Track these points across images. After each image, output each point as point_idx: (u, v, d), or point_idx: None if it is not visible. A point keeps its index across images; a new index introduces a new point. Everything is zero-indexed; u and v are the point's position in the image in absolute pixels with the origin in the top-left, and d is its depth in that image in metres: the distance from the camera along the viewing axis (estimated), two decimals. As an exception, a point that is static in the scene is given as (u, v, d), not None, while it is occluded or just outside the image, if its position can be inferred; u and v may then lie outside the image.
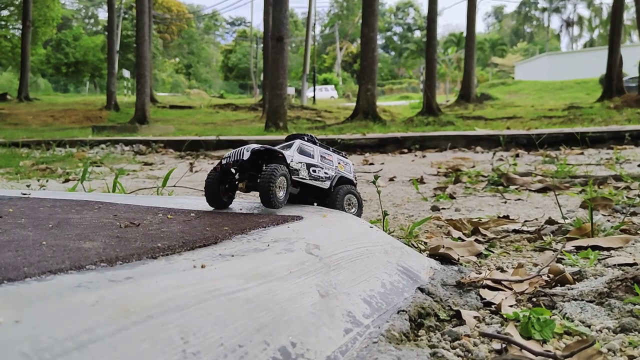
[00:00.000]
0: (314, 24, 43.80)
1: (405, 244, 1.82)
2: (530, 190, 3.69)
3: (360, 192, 1.99)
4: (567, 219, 2.43)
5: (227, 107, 30.55)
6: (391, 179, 4.65)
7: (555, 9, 68.82)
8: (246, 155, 1.60)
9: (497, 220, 2.38)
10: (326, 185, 1.85)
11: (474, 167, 5.18)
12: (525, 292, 1.26)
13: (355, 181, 2.06)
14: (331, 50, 62.80)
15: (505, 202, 3.22)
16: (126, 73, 32.95)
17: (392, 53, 69.84)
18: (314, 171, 1.80)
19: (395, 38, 68.01)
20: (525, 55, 62.98)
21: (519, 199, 3.34)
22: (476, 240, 2.05)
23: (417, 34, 64.46)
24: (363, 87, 18.39)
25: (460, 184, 4.10)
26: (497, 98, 29.63)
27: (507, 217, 2.54)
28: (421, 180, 4.41)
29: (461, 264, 1.59)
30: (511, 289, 1.28)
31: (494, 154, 5.09)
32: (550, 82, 37.08)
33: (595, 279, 1.36)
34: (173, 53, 64.47)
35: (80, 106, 30.33)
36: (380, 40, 67.08)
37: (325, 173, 1.85)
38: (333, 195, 1.86)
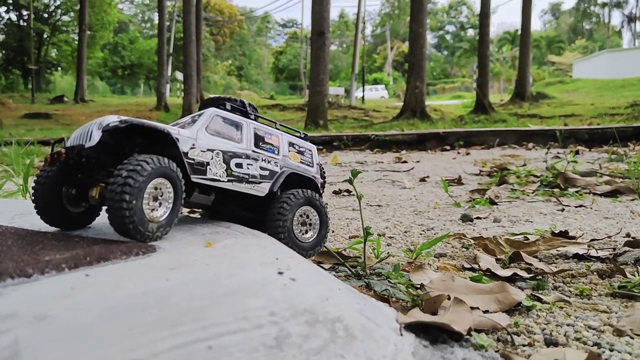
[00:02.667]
0: (364, 24, 42.95)
1: (389, 287, 1.10)
2: (595, 194, 2.87)
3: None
4: (657, 237, 1.63)
5: (275, 107, 30.31)
6: (422, 179, 3.89)
7: (616, 4, 65.16)
8: (94, 138, 0.91)
9: (550, 240, 1.61)
10: (262, 190, 1.13)
11: (524, 165, 4.34)
12: None
13: (320, 181, 1.33)
14: (382, 50, 61.60)
15: (563, 210, 2.43)
16: (179, 75, 33.30)
17: (445, 52, 67.88)
18: (239, 166, 1.09)
19: (448, 37, 66.03)
20: (584, 52, 59.86)
21: (580, 206, 2.53)
22: (514, 275, 1.29)
23: (470, 32, 62.30)
24: (411, 84, 17.50)
25: (506, 186, 3.30)
26: (554, 97, 27.96)
27: (565, 233, 1.76)
28: (459, 181, 3.64)
29: (471, 338, 0.85)
30: None
31: (548, 149, 4.22)
32: (611, 80, 34.82)
33: None
34: (225, 55, 65.06)
35: (132, 107, 30.87)
36: (432, 40, 65.39)
37: (262, 169, 1.14)
38: (274, 207, 1.15)
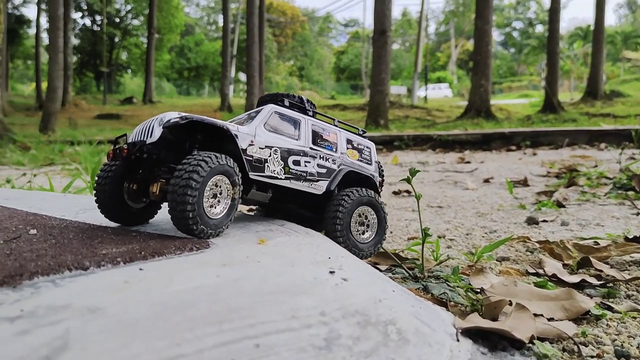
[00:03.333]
0: (427, 22, 42.35)
1: (447, 291, 1.06)
2: (675, 198, 2.68)
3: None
4: None
5: (336, 107, 30.35)
6: (486, 180, 3.77)
7: (702, -5, 60.99)
8: (156, 134, 0.92)
9: (623, 246, 1.51)
10: (319, 188, 1.12)
11: (595, 166, 4.13)
12: None
13: (378, 179, 1.30)
14: (446, 48, 60.46)
15: (638, 214, 2.29)
16: (242, 76, 34.01)
17: (512, 50, 65.75)
18: (297, 163, 1.08)
19: (515, 34, 63.87)
20: (664, 48, 56.35)
21: (658, 210, 2.38)
22: (582, 282, 1.22)
23: (539, 28, 59.97)
24: (476, 83, 17.10)
25: (575, 188, 3.15)
26: (630, 95, 26.51)
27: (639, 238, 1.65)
28: (524, 182, 3.51)
29: (533, 346, 0.80)
30: None
31: (622, 150, 3.99)
32: (693, 77, 32.65)
33: None
34: (287, 56, 65.72)
35: (197, 108, 31.74)
36: (499, 37, 63.46)
37: (319, 166, 1.12)
38: (331, 206, 1.13)
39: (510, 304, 0.93)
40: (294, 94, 1.19)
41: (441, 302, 1.05)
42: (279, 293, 0.62)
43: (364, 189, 1.18)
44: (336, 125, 1.23)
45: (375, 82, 13.79)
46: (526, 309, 0.88)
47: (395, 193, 3.26)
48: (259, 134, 1.02)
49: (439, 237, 1.92)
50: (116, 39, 41.45)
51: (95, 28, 39.60)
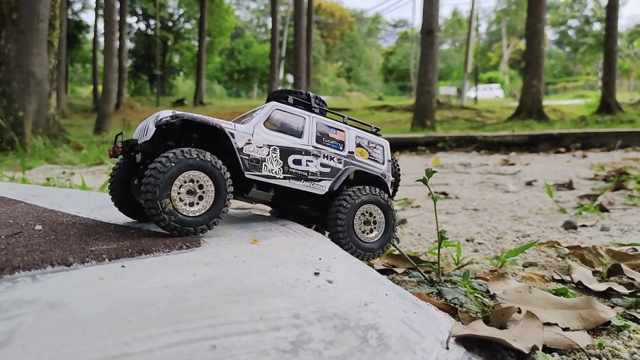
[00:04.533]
0: (478, 21, 41.57)
1: (460, 296, 1.02)
2: None
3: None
4: None
5: (383, 108, 30.17)
6: (529, 183, 3.65)
7: None
8: (149, 132, 0.93)
9: (660, 253, 1.43)
10: (322, 188, 1.10)
11: (647, 170, 3.93)
12: None
13: (390, 179, 1.27)
14: (497, 48, 59.11)
15: (687, 220, 2.16)
16: (290, 78, 34.40)
17: (567, 49, 63.56)
18: (298, 162, 1.06)
19: (571, 32, 61.76)
20: None
21: None
22: (609, 290, 1.16)
23: (597, 27, 57.77)
24: (528, 83, 16.71)
25: (623, 192, 3.01)
26: (695, 94, 25.17)
27: (682, 245, 1.55)
28: (569, 186, 3.38)
29: (537, 357, 0.76)
30: None
31: (678, 152, 3.80)
32: None
33: None
34: (335, 57, 65.71)
35: (246, 109, 32.09)
36: (553, 36, 61.53)
37: (323, 165, 1.10)
38: (333, 205, 1.11)
39: (520, 311, 0.88)
40: (301, 91, 1.17)
41: (453, 307, 1.01)
42: (251, 294, 0.60)
43: (367, 187, 1.14)
44: (346, 123, 1.21)
45: (422, 83, 13.64)
46: (535, 317, 0.84)
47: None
48: (257, 132, 1.01)
49: (468, 241, 1.87)
50: (169, 43, 42.59)
51: (149, 32, 40.82)
